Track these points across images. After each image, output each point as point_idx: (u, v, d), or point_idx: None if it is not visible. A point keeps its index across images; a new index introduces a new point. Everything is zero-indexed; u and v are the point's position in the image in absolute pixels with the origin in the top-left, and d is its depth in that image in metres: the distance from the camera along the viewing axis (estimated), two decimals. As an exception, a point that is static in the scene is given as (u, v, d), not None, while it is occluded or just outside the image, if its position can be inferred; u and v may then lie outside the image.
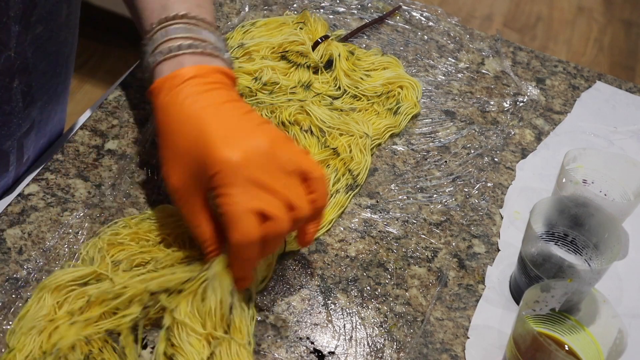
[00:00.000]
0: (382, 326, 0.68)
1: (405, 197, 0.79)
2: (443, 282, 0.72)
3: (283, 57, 0.89)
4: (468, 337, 0.68)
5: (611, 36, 2.35)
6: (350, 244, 0.74)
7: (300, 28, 0.91)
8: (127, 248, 0.67)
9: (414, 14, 1.03)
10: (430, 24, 1.02)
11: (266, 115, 0.82)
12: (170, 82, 0.64)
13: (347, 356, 0.65)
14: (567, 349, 0.64)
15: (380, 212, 0.77)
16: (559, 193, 0.75)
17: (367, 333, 0.67)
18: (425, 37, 1.00)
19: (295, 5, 1.00)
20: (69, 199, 0.72)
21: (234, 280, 0.61)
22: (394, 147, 0.84)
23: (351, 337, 0.67)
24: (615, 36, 2.35)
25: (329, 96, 0.87)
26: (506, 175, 0.84)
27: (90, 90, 1.96)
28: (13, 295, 0.64)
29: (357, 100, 0.87)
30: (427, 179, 0.81)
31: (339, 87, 0.88)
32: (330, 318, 0.68)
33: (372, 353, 0.66)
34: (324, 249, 0.73)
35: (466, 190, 0.81)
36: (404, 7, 1.03)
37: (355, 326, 0.67)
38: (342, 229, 0.75)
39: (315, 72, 0.89)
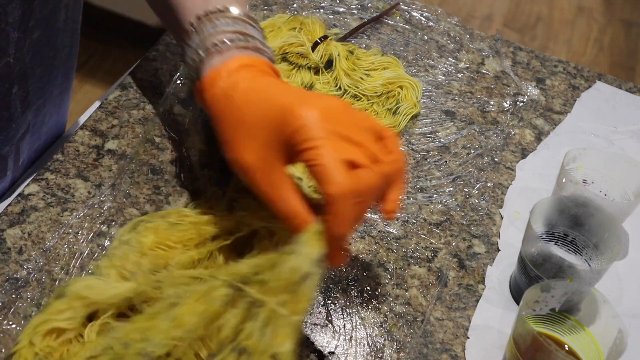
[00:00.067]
0: (382, 326, 0.68)
1: (405, 197, 0.79)
2: (443, 282, 0.72)
3: (284, 59, 0.89)
4: (468, 337, 0.68)
5: (611, 36, 2.34)
6: (350, 244, 0.74)
7: (299, 29, 0.92)
8: (169, 253, 0.64)
9: (414, 14, 1.03)
10: (430, 24, 1.02)
11: None
12: (226, 70, 0.62)
13: (347, 356, 0.65)
14: (567, 349, 0.64)
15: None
16: (559, 193, 0.75)
17: (367, 333, 0.67)
18: (425, 37, 1.00)
19: (295, 5, 1.00)
20: (69, 199, 0.72)
21: (327, 255, 0.55)
22: (394, 147, 0.84)
23: (351, 337, 0.67)
24: (615, 36, 2.35)
25: (329, 96, 0.87)
26: (506, 175, 0.84)
27: (90, 90, 1.96)
28: (13, 295, 0.64)
29: (358, 101, 0.87)
30: (427, 179, 0.81)
31: (340, 87, 0.88)
32: (330, 318, 0.68)
33: (372, 353, 0.66)
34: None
35: (466, 190, 0.81)
36: (404, 7, 1.03)
37: (355, 326, 0.67)
38: (342, 229, 0.75)
39: (316, 73, 0.89)
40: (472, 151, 0.86)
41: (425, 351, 0.66)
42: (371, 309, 0.69)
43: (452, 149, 0.86)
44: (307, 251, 0.54)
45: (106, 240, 0.69)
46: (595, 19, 2.41)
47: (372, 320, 0.68)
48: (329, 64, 0.89)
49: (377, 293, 0.70)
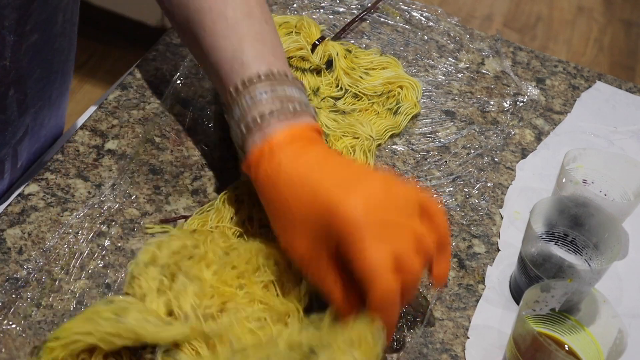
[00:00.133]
0: (382, 326, 0.68)
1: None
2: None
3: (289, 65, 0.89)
4: (468, 337, 0.68)
5: (611, 36, 2.34)
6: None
7: (297, 33, 0.92)
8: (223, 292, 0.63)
9: (414, 14, 1.03)
10: (430, 24, 1.02)
11: None
12: (268, 152, 0.62)
13: (347, 356, 0.65)
14: (567, 349, 0.64)
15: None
16: (559, 193, 0.75)
17: (367, 333, 0.67)
18: (425, 37, 1.00)
19: (295, 5, 1.00)
20: (69, 199, 0.72)
21: None
22: (394, 147, 0.84)
23: (351, 337, 0.67)
24: (615, 36, 2.35)
25: (332, 97, 0.87)
26: (506, 175, 0.84)
27: (90, 90, 1.96)
28: (13, 295, 0.64)
29: (359, 100, 0.87)
30: (427, 179, 0.81)
31: (341, 88, 0.88)
32: (330, 318, 0.68)
33: (372, 353, 0.66)
34: (324, 249, 0.73)
35: (466, 190, 0.81)
36: (404, 7, 1.03)
37: (355, 326, 0.67)
38: (342, 229, 0.75)
39: (318, 74, 0.89)
40: (472, 151, 0.86)
41: (425, 351, 0.66)
42: (371, 309, 0.69)
43: (452, 149, 0.86)
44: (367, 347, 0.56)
45: (106, 240, 0.69)
46: (595, 19, 2.41)
47: (372, 320, 0.68)
48: (329, 64, 0.89)
49: (377, 293, 0.70)
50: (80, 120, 0.83)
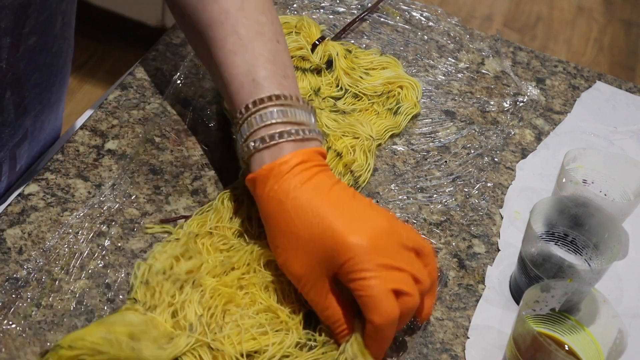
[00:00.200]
0: (382, 326, 0.68)
1: (405, 197, 0.79)
2: (443, 282, 0.72)
3: None
4: (468, 337, 0.68)
5: (611, 36, 2.35)
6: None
7: (297, 33, 0.92)
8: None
9: (414, 14, 1.03)
10: (430, 24, 1.02)
11: None
12: (276, 171, 0.64)
13: (347, 356, 0.65)
14: (567, 349, 0.64)
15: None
16: (559, 193, 0.75)
17: (367, 333, 0.67)
18: (425, 37, 1.00)
19: (295, 5, 1.00)
20: (69, 199, 0.72)
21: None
22: (394, 147, 0.84)
23: (351, 337, 0.67)
24: (615, 36, 2.35)
25: (332, 97, 0.87)
26: (506, 175, 0.84)
27: (90, 90, 1.96)
28: (13, 295, 0.64)
29: (359, 100, 0.87)
30: (427, 179, 0.81)
31: (341, 88, 0.88)
32: (330, 318, 0.68)
33: (372, 353, 0.66)
34: (324, 249, 0.73)
35: (466, 190, 0.81)
36: (404, 7, 1.03)
37: (355, 326, 0.67)
38: (342, 229, 0.75)
39: (318, 73, 0.89)
40: (472, 151, 0.86)
41: (425, 351, 0.66)
42: (371, 309, 0.69)
43: (452, 149, 0.86)
44: None
45: (106, 240, 0.69)
46: (595, 19, 2.41)
47: (372, 320, 0.68)
48: (329, 64, 0.89)
49: (377, 293, 0.70)
50: (80, 121, 0.83)
